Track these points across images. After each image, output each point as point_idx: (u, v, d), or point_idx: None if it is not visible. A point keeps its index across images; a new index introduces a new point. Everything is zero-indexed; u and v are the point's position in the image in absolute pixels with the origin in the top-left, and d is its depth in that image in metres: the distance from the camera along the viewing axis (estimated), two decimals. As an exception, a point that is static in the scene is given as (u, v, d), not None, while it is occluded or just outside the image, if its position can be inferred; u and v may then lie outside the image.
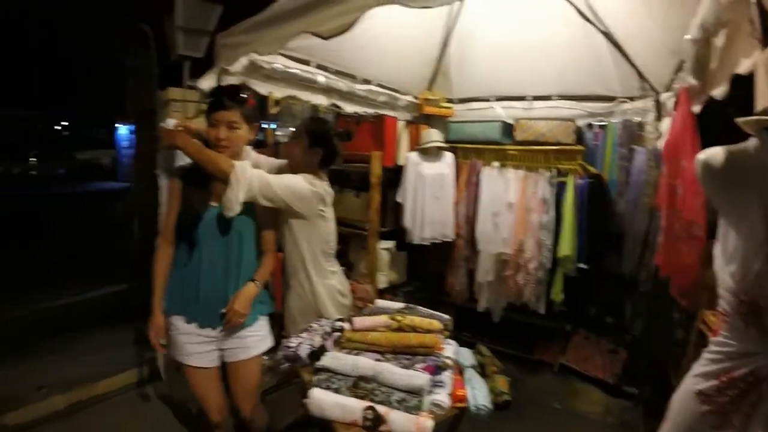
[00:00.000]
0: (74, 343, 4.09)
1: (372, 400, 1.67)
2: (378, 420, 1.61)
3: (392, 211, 3.97)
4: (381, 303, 2.43)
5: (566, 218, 3.42)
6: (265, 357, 2.32)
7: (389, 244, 3.88)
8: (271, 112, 2.88)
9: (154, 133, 3.59)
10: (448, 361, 1.95)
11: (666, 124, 2.88)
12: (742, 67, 1.48)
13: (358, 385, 1.71)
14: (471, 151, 3.98)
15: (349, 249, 3.79)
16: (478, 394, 1.88)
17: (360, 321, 2.02)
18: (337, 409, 1.67)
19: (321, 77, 3.07)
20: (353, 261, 3.76)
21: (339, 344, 1.99)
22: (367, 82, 3.51)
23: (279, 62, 2.81)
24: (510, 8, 3.45)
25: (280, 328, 2.43)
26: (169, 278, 2.10)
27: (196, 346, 2.08)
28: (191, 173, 2.08)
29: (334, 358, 1.82)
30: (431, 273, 4.24)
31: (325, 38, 1.93)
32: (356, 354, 1.90)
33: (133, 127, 4.92)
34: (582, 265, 3.44)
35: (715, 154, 1.37)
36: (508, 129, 3.82)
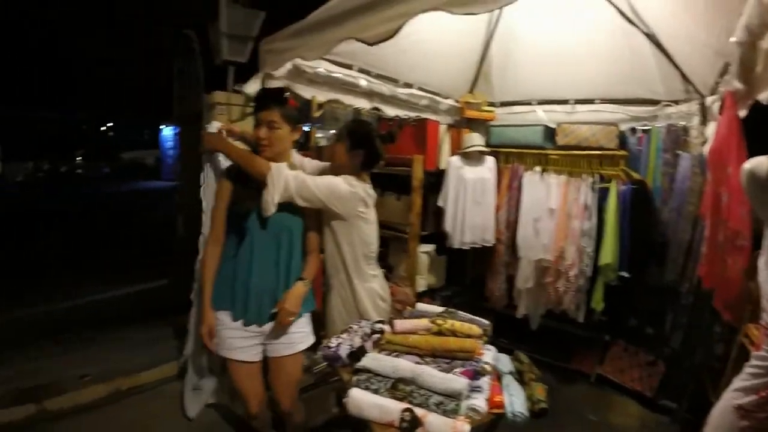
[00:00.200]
0: (117, 336, 4.24)
1: (410, 402, 1.67)
2: (415, 422, 1.62)
3: (433, 214, 3.96)
4: (421, 306, 2.43)
5: (608, 225, 3.34)
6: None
7: (429, 247, 3.89)
8: (314, 116, 2.92)
9: (198, 135, 3.70)
10: (487, 367, 1.94)
11: (711, 128, 2.81)
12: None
13: (397, 387, 1.71)
14: (512, 156, 3.94)
15: (389, 252, 3.81)
16: (516, 401, 1.86)
17: (400, 324, 2.04)
18: (375, 410, 1.68)
19: (363, 81, 3.10)
20: (393, 264, 3.77)
21: (379, 346, 2.00)
22: (408, 85, 3.52)
23: (322, 66, 2.85)
24: (551, 10, 3.41)
25: (318, 327, 2.45)
26: (216, 275, 2.16)
27: (241, 341, 2.14)
28: (242, 172, 2.13)
29: (374, 360, 1.84)
30: (470, 278, 4.22)
31: (370, 44, 1.94)
32: (396, 356, 1.92)
33: (177, 129, 5.05)
34: (623, 274, 3.35)
35: (761, 163, 1.34)
36: (549, 133, 3.77)
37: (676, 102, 3.31)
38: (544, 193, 3.62)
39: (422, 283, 3.82)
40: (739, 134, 1.94)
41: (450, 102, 3.95)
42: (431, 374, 1.74)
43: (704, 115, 3.10)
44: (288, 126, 2.08)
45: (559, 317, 3.75)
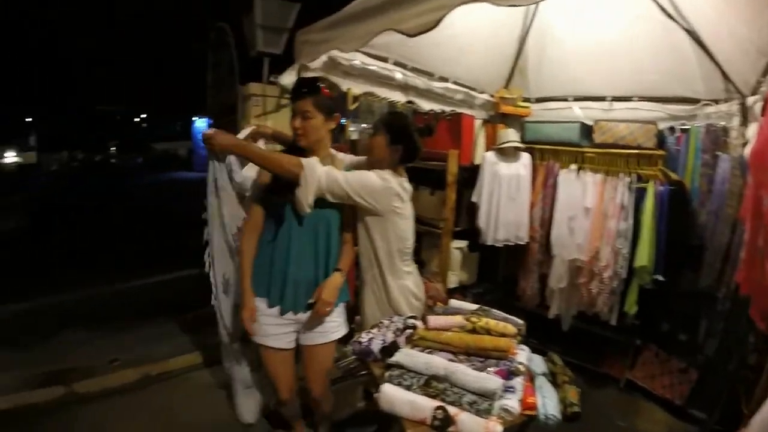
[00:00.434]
0: (147, 323, 4.33)
1: (443, 400, 1.66)
2: (447, 420, 1.60)
3: (466, 210, 3.90)
4: (454, 303, 2.39)
5: (645, 227, 3.25)
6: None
7: (462, 243, 3.82)
8: (349, 108, 2.90)
9: (233, 126, 3.73)
10: (521, 367, 1.91)
11: (752, 129, 2.73)
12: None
13: (430, 384, 1.70)
14: (547, 153, 3.86)
15: (422, 247, 3.76)
16: (548, 403, 1.84)
17: (434, 320, 2.01)
18: (407, 406, 1.67)
19: (398, 74, 3.07)
20: (425, 259, 3.73)
21: (411, 342, 1.98)
22: (444, 79, 3.47)
23: (357, 59, 2.84)
24: (589, 4, 3.34)
25: (350, 320, 2.45)
26: (253, 261, 2.18)
27: (276, 328, 2.18)
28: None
29: (407, 355, 1.82)
30: (502, 276, 4.16)
31: (410, 35, 1.91)
32: (429, 353, 1.89)
33: (210, 121, 5.09)
34: (658, 277, 3.25)
35: None
36: (586, 131, 3.67)
37: (716, 101, 3.19)
38: (580, 192, 3.54)
39: (454, 279, 3.77)
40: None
41: (485, 97, 3.88)
42: (465, 372, 1.72)
43: (745, 116, 2.99)
44: (322, 115, 2.07)
45: (591, 319, 3.66)
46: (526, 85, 4.02)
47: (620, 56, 3.41)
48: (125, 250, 7.54)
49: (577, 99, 3.82)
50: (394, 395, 1.69)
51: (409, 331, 2.02)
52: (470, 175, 3.82)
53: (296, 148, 2.12)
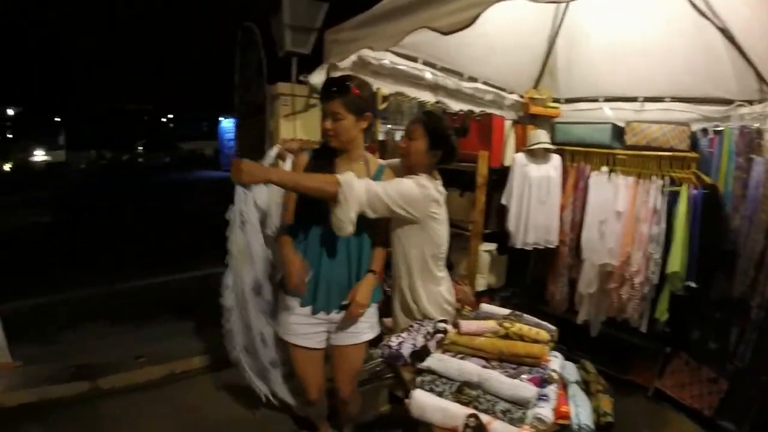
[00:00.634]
0: (173, 319, 4.38)
1: (476, 408, 1.62)
2: (480, 429, 1.56)
3: (495, 212, 3.85)
4: (485, 307, 2.34)
5: (678, 231, 3.15)
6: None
7: (491, 246, 3.78)
8: (378, 108, 2.87)
9: (262, 126, 3.74)
10: (554, 375, 1.85)
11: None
12: None
13: (463, 391, 1.66)
14: (578, 154, 3.78)
15: (450, 249, 3.69)
16: (582, 413, 1.78)
17: (466, 325, 1.97)
18: (439, 413, 1.63)
19: (428, 74, 3.04)
20: (453, 261, 3.65)
21: (442, 346, 1.94)
22: (473, 79, 3.43)
23: (387, 58, 2.81)
24: (620, 3, 3.27)
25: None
26: None
27: (307, 327, 2.17)
28: (315, 155, 2.14)
29: (440, 361, 1.78)
30: (531, 279, 4.10)
31: (444, 33, 1.88)
32: (461, 358, 1.85)
33: (236, 120, 5.13)
34: (690, 284, 3.15)
35: None
36: (618, 132, 3.59)
37: (750, 102, 3.08)
38: (611, 195, 3.46)
39: (482, 282, 3.72)
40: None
41: (514, 97, 3.83)
42: (499, 380, 1.67)
43: (779, 118, 2.90)
44: (352, 115, 2.03)
45: (620, 325, 3.58)
46: (555, 85, 3.96)
47: (652, 56, 3.32)
48: (150, 247, 7.63)
49: (608, 100, 3.74)
50: (425, 401, 1.65)
51: (439, 335, 1.98)
52: (499, 176, 3.77)
53: (328, 148, 2.10)
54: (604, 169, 3.55)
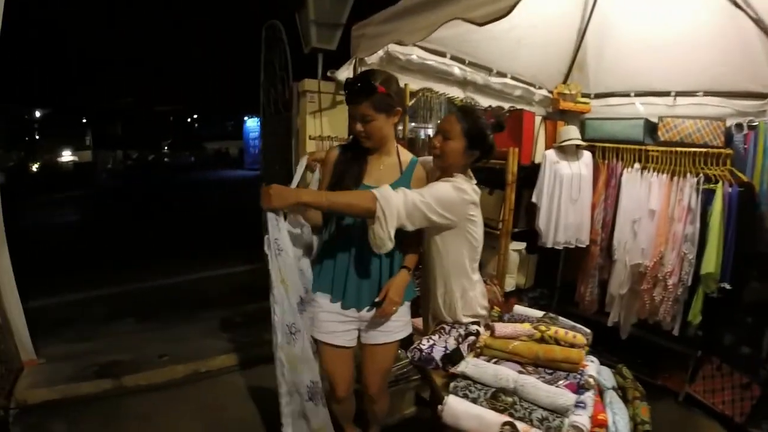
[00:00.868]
0: (197, 318, 4.38)
1: (511, 415, 1.56)
2: (516, 437, 1.50)
3: (525, 211, 3.75)
4: (519, 309, 2.27)
5: (712, 231, 3.03)
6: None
7: (520, 245, 3.68)
8: (407, 104, 2.81)
9: (287, 123, 3.72)
10: (591, 381, 1.77)
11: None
12: None
13: (498, 398, 1.59)
14: (609, 151, 3.66)
15: (480, 249, 3.64)
16: (619, 421, 1.70)
17: (501, 327, 1.88)
18: (474, 421, 1.57)
19: (457, 69, 3.00)
20: (482, 261, 3.57)
21: (474, 350, 1.88)
22: (502, 74, 3.37)
23: (414, 53, 2.77)
24: (651, -4, 3.17)
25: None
26: (316, 258, 2.15)
27: (337, 325, 2.12)
28: (346, 150, 2.10)
29: (474, 366, 1.71)
30: (561, 280, 4.01)
31: (479, 24, 1.81)
32: (495, 362, 1.78)
33: (261, 119, 5.13)
34: (725, 285, 3.03)
35: None
36: (650, 128, 3.47)
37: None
38: (645, 193, 3.34)
39: (511, 282, 3.62)
40: None
41: (543, 92, 3.76)
42: (536, 386, 1.60)
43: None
44: (382, 114, 1.96)
45: (650, 328, 3.47)
46: (585, 80, 3.85)
47: (684, 49, 3.22)
48: (176, 246, 7.68)
49: (639, 94, 3.64)
50: (459, 408, 1.59)
51: (471, 338, 1.91)
52: (528, 173, 3.66)
53: (358, 143, 2.04)
54: (637, 166, 3.43)
